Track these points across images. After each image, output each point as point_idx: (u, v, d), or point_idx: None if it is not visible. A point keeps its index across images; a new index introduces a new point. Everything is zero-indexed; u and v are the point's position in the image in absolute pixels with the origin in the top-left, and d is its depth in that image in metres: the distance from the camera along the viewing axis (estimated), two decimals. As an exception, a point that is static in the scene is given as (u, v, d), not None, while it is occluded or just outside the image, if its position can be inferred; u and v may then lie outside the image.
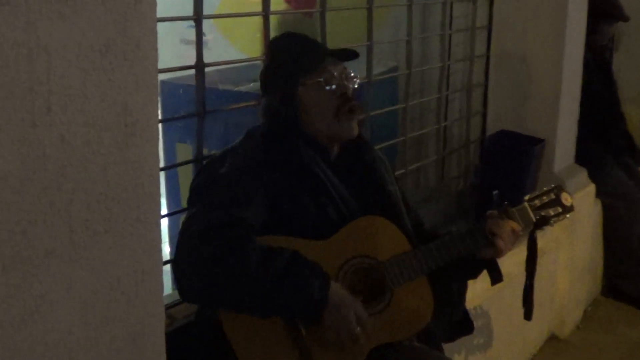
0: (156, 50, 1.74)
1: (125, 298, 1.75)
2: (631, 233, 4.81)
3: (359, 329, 2.22)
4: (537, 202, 2.57)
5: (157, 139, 1.78)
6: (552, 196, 2.59)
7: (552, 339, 4.41)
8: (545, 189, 2.61)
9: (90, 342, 1.69)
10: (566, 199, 2.60)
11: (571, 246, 4.34)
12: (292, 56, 2.47)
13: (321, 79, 2.41)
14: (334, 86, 2.41)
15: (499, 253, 2.48)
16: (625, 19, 4.89)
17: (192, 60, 2.63)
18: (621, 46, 5.74)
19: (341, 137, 2.46)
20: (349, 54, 2.51)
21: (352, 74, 2.48)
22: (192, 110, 2.67)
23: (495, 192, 2.58)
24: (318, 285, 2.15)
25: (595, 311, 4.82)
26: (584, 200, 4.43)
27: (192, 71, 2.63)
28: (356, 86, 2.48)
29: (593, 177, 4.60)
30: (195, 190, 2.33)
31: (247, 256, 2.09)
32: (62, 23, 1.53)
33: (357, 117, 2.46)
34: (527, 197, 2.58)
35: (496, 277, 2.56)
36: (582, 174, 4.54)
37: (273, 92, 2.44)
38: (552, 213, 2.57)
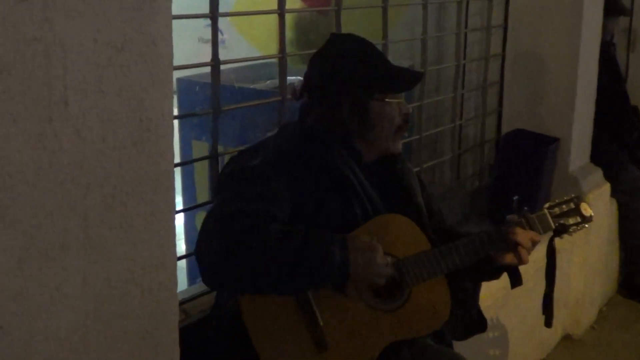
0: (171, 47, 1.75)
1: (139, 292, 1.77)
2: (648, 230, 4.81)
3: (388, 269, 2.26)
4: (556, 210, 2.57)
5: (172, 134, 1.80)
6: (572, 205, 2.60)
7: (566, 338, 4.41)
8: (565, 198, 2.62)
9: (103, 335, 1.71)
10: (585, 209, 2.61)
11: (586, 246, 4.34)
12: (374, 69, 2.45)
13: (400, 100, 2.47)
14: (401, 108, 2.47)
15: (521, 263, 2.49)
16: (627, 13, 4.89)
17: (209, 59, 2.64)
18: (638, 45, 5.73)
19: (389, 152, 2.50)
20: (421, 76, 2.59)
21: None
22: (208, 107, 2.69)
23: (515, 197, 2.58)
24: (338, 249, 2.15)
25: (610, 311, 4.82)
26: (599, 200, 4.42)
27: (209, 69, 2.65)
28: None
29: (608, 176, 4.59)
30: (225, 178, 2.34)
31: (267, 237, 2.09)
32: (79, 19, 1.55)
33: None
34: (547, 205, 2.59)
35: (516, 280, 2.57)
36: (598, 173, 4.53)
37: (340, 98, 2.41)
38: (571, 222, 2.59)
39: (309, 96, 2.48)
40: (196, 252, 2.15)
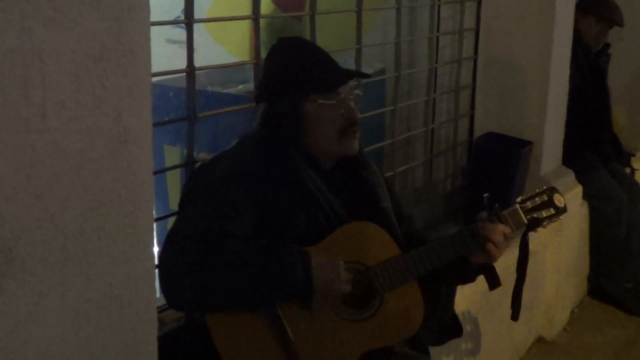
0: (149, 56, 1.74)
1: (118, 304, 1.75)
2: (618, 234, 4.84)
3: (349, 287, 2.24)
4: (529, 204, 2.53)
5: (151, 144, 1.78)
6: (545, 197, 2.55)
7: (539, 341, 4.42)
8: (537, 190, 2.57)
9: (83, 349, 1.69)
10: (559, 200, 2.56)
11: (558, 248, 4.35)
12: (306, 69, 2.40)
13: (334, 102, 2.37)
14: (343, 110, 2.39)
15: (492, 259, 2.47)
16: (621, 23, 4.89)
17: (178, 60, 2.61)
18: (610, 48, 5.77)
19: (341, 155, 2.45)
20: (361, 75, 2.53)
21: (356, 91, 2.47)
22: (180, 112, 2.66)
23: (485, 194, 2.56)
24: (300, 264, 2.15)
25: (581, 312, 4.84)
26: (571, 202, 4.41)
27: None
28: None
29: (580, 179, 4.62)
30: (185, 196, 2.32)
31: (225, 257, 2.10)
32: (56, 30, 1.53)
33: (358, 135, 2.45)
34: (518, 199, 2.54)
35: (494, 282, 2.55)
36: (569, 176, 4.55)
37: (277, 100, 2.40)
38: (544, 215, 2.53)
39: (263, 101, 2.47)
40: (159, 273, 2.12)
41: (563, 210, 2.57)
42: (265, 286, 2.14)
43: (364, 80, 3.26)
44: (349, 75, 2.45)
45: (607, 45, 5.00)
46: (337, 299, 2.25)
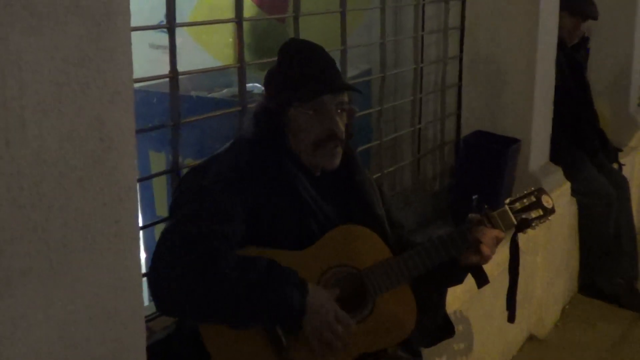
0: (131, 61, 1.71)
1: (105, 314, 1.72)
2: (607, 231, 4.83)
3: (341, 328, 2.19)
4: (517, 205, 2.54)
5: (134, 151, 1.75)
6: (533, 199, 2.56)
7: (531, 339, 4.41)
8: (525, 191, 2.58)
9: (70, 362, 1.66)
10: (547, 201, 2.58)
11: (548, 245, 4.34)
12: (295, 75, 2.37)
13: (310, 112, 2.34)
14: (321, 122, 2.34)
15: (484, 260, 2.46)
16: (595, 16, 4.88)
17: (162, 65, 2.58)
18: (591, 43, 5.77)
19: (318, 167, 2.41)
20: (351, 89, 2.48)
21: (349, 107, 2.42)
22: (164, 117, 2.63)
23: (474, 196, 2.55)
24: (297, 293, 2.13)
25: (573, 309, 4.84)
26: (559, 199, 4.42)
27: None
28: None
29: (568, 176, 4.61)
30: (177, 199, 2.30)
31: (222, 268, 2.07)
32: (35, 36, 1.50)
33: (339, 151, 2.40)
34: (507, 200, 2.55)
35: (482, 280, 2.54)
36: (558, 173, 4.55)
37: (268, 101, 2.41)
38: (533, 216, 2.55)
39: None
40: (149, 277, 2.09)
41: (551, 211, 2.59)
42: (255, 308, 2.11)
43: (351, 81, 3.23)
44: (333, 87, 2.38)
45: (586, 39, 4.99)
46: (328, 332, 2.20)
